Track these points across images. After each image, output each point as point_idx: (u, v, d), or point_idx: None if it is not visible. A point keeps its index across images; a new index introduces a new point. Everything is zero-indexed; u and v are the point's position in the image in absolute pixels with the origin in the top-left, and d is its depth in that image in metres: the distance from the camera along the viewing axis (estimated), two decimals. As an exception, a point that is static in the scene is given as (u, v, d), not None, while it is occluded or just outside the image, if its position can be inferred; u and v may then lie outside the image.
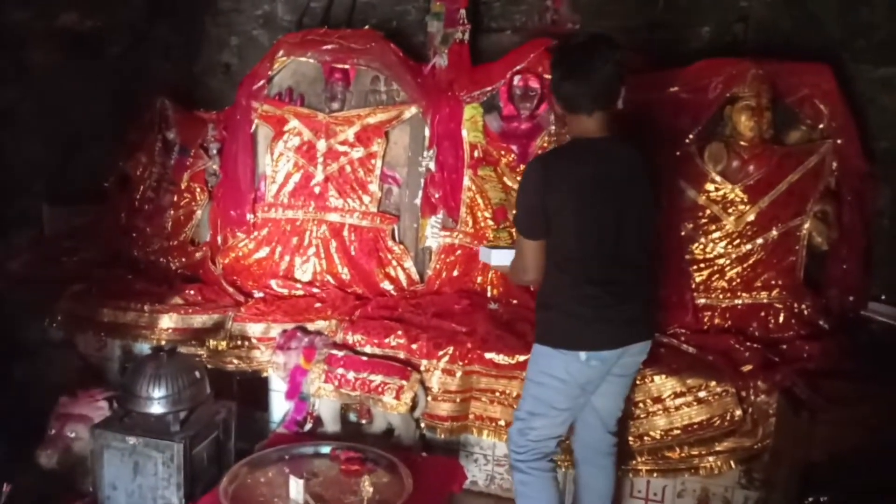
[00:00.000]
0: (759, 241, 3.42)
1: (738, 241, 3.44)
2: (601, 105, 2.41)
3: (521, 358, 3.11)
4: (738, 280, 3.45)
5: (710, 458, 2.99)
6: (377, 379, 3.11)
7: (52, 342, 3.78)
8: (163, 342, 3.47)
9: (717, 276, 3.46)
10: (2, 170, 4.10)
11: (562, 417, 2.58)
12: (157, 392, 2.70)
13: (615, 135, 2.47)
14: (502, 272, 3.18)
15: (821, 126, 3.40)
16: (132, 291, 3.83)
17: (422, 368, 3.21)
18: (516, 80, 3.79)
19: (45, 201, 4.34)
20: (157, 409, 2.71)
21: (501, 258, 2.87)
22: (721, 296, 3.44)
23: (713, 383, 2.96)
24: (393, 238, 4.00)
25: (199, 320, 3.60)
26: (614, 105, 2.44)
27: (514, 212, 2.58)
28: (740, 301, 3.43)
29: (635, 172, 2.47)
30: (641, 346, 2.57)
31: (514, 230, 2.89)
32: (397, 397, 3.08)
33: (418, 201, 3.95)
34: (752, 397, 2.95)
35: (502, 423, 3.17)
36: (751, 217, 3.42)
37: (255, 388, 3.53)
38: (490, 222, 3.83)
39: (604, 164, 2.42)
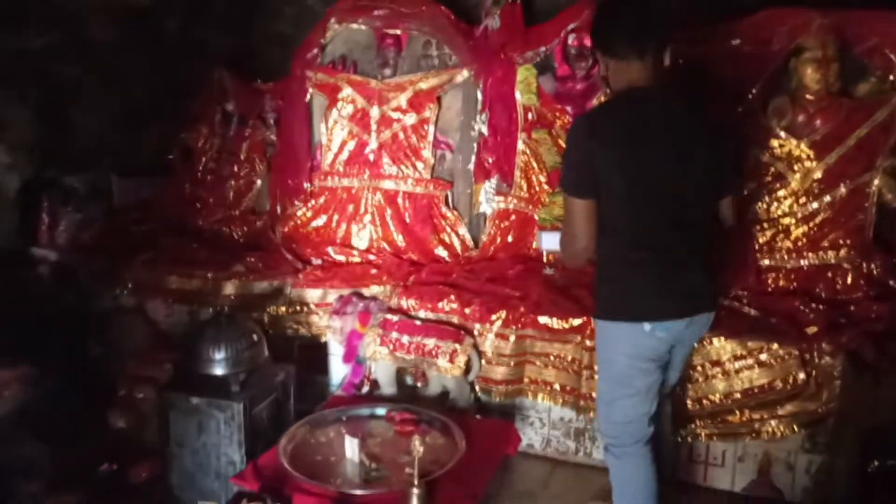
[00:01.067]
0: (827, 198, 3.28)
1: (803, 199, 3.31)
2: (639, 49, 2.23)
3: (576, 322, 3.09)
4: (804, 240, 3.31)
5: (773, 422, 2.92)
6: (431, 342, 3.14)
7: (124, 309, 3.93)
8: (226, 308, 3.57)
9: (781, 236, 3.34)
10: (72, 145, 4.26)
11: (642, 394, 2.39)
12: (218, 354, 2.79)
13: (666, 86, 2.30)
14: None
15: (891, 77, 3.21)
16: (197, 260, 3.95)
17: (475, 332, 3.22)
18: (571, 38, 3.70)
19: (113, 174, 4.50)
20: (217, 370, 2.80)
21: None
22: (786, 256, 3.32)
23: (775, 346, 2.87)
24: (447, 204, 4.00)
25: (260, 287, 3.69)
26: (657, 55, 2.25)
27: (559, 183, 2.42)
28: (806, 262, 3.30)
29: (693, 126, 2.26)
30: (706, 318, 2.41)
31: None
32: (451, 360, 3.10)
33: (471, 167, 3.93)
34: (817, 360, 2.84)
35: (557, 386, 3.17)
36: (817, 174, 3.28)
37: (314, 353, 3.60)
38: (545, 186, 3.78)
39: (654, 115, 2.22)
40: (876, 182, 3.22)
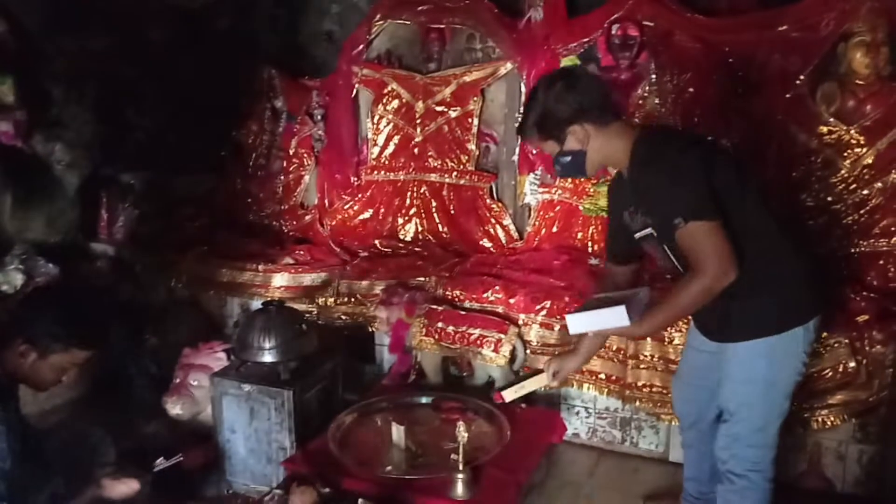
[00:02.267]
0: (878, 185, 3.21)
1: (854, 186, 3.24)
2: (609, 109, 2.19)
3: (620, 311, 3.09)
4: (855, 227, 3.25)
5: (822, 412, 2.87)
6: (476, 332, 3.16)
7: (179, 301, 4.06)
8: (276, 299, 3.66)
9: (832, 223, 3.28)
10: (129, 143, 4.40)
11: None
12: (268, 343, 2.87)
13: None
14: (660, 323, 2.29)
15: (943, 60, 3.14)
16: (248, 253, 4.05)
17: (520, 322, 3.24)
18: (614, 29, 3.70)
19: (168, 170, 4.63)
20: (268, 358, 2.87)
21: (601, 321, 2.19)
22: (836, 244, 3.26)
23: (824, 334, 2.83)
24: (491, 196, 4.03)
25: (309, 278, 3.78)
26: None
27: (674, 217, 2.03)
28: (857, 249, 3.24)
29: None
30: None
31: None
32: (496, 350, 3.13)
33: (516, 158, 3.95)
34: (868, 348, 2.79)
35: (602, 376, 3.17)
36: (868, 160, 3.21)
37: (362, 342, 3.67)
38: (590, 177, 3.78)
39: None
40: (930, 167, 3.15)
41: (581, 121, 2.15)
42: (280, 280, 3.81)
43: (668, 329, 2.99)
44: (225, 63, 4.59)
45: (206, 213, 4.59)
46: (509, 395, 2.66)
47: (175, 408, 3.19)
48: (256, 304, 3.76)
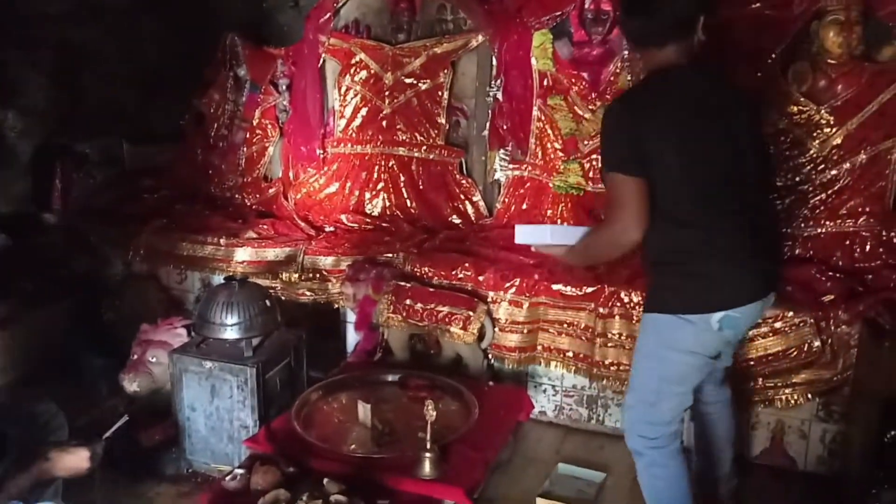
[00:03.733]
0: (846, 165, 3.21)
1: (822, 166, 3.24)
2: (672, 37, 2.16)
3: (589, 289, 3.08)
4: (822, 208, 3.26)
5: (787, 390, 2.91)
6: (444, 309, 3.12)
7: (137, 275, 3.95)
8: (238, 274, 3.57)
9: (799, 203, 3.29)
10: (85, 110, 4.25)
11: (692, 389, 2.30)
12: (230, 319, 2.80)
13: (699, 63, 2.21)
14: (579, 258, 2.47)
15: (917, 41, 3.15)
16: (209, 226, 3.93)
17: (489, 300, 3.21)
18: (587, 3, 3.63)
19: (125, 140, 4.48)
20: (230, 335, 2.81)
21: (536, 235, 2.46)
22: (803, 224, 3.27)
23: (790, 313, 2.84)
24: (461, 171, 3.97)
25: (273, 253, 3.69)
26: (691, 36, 2.17)
27: (602, 164, 2.18)
28: (824, 230, 3.25)
29: (732, 101, 2.22)
30: (771, 298, 2.29)
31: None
32: (464, 328, 3.09)
33: (486, 133, 3.88)
34: (832, 328, 2.82)
35: (570, 354, 3.16)
36: (837, 140, 3.21)
37: (328, 319, 3.62)
38: (560, 154, 3.74)
39: (697, 94, 2.16)
40: (898, 149, 3.16)
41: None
42: (242, 254, 3.71)
43: (637, 308, 2.99)
44: (186, 29, 4.45)
45: (165, 185, 4.44)
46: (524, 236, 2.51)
47: (132, 385, 3.10)
48: (218, 279, 3.68)
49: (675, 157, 2.09)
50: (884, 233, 3.16)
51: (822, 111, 3.22)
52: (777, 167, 3.25)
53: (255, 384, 2.75)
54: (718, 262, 2.13)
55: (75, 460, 2.14)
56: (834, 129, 3.21)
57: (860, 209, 3.21)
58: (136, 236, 3.89)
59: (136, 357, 3.17)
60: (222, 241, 3.76)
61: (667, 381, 2.25)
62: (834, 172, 3.23)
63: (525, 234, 2.47)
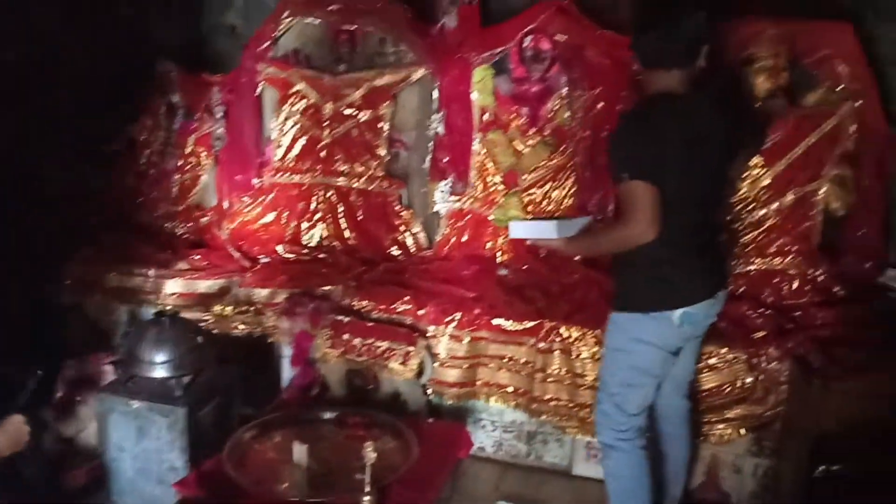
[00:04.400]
0: (774, 205, 3.34)
1: (752, 205, 3.36)
2: (679, 61, 2.35)
3: (530, 324, 3.09)
4: (752, 246, 3.37)
5: (721, 426, 2.96)
6: (383, 345, 3.09)
7: (61, 306, 3.77)
8: (168, 307, 3.46)
9: (730, 241, 3.39)
10: (6, 132, 4.06)
11: (655, 383, 2.54)
12: (160, 357, 2.70)
13: (697, 91, 2.42)
14: (581, 248, 2.80)
15: (840, 88, 3.29)
16: (138, 256, 3.80)
17: (429, 334, 3.18)
18: (527, 41, 3.69)
19: (51, 164, 4.30)
20: (160, 373, 2.70)
21: (536, 230, 2.67)
22: (734, 262, 3.37)
23: (724, 350, 2.91)
24: (401, 203, 3.95)
25: (205, 285, 3.59)
26: (695, 62, 2.38)
27: (622, 171, 2.31)
28: (754, 267, 3.36)
29: (726, 123, 2.43)
30: (723, 295, 2.56)
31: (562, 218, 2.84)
32: (404, 363, 3.06)
33: (427, 165, 3.88)
34: (764, 364, 2.89)
35: (510, 389, 3.16)
36: (766, 181, 3.33)
37: (262, 354, 3.51)
38: (500, 187, 3.77)
39: (695, 118, 2.36)
40: (823, 190, 3.30)
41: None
42: (173, 286, 3.59)
43: (576, 343, 3.01)
44: (118, 53, 4.32)
45: (92, 212, 4.28)
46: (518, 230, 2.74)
47: (57, 424, 2.94)
48: (147, 311, 3.55)
49: (672, 176, 2.29)
50: (810, 271, 3.28)
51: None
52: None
53: (186, 425, 2.65)
54: (682, 270, 2.41)
55: (13, 432, 1.99)
56: (763, 171, 3.32)
57: (788, 248, 3.33)
58: (62, 266, 3.74)
59: (60, 395, 3.02)
60: (152, 272, 3.64)
61: (635, 371, 2.49)
62: (763, 212, 3.35)
63: (520, 230, 2.75)
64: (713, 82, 3.05)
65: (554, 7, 3.65)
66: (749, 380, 2.90)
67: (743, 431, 2.94)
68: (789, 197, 3.32)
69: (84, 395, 2.98)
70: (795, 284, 3.29)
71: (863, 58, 3.27)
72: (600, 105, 3.60)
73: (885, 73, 3.37)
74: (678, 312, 2.39)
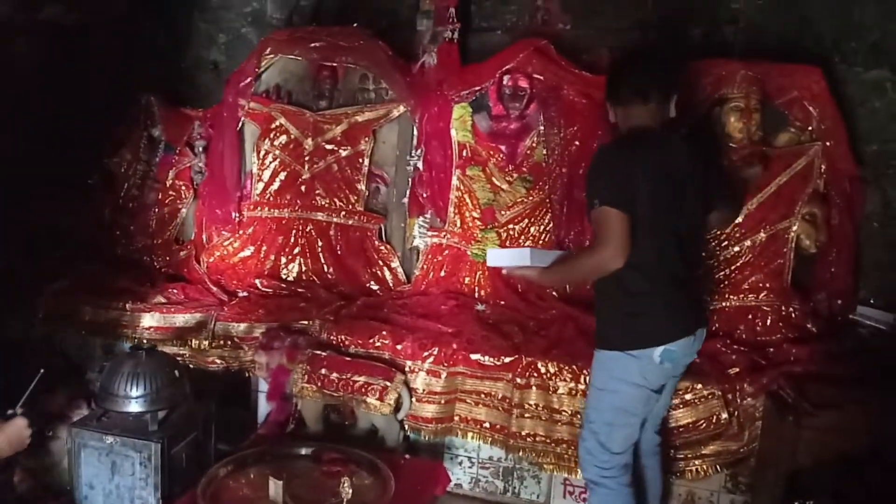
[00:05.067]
0: (747, 243, 3.40)
1: (725, 242, 3.42)
2: (649, 100, 2.48)
3: (507, 359, 3.09)
4: (726, 282, 3.42)
5: (696, 462, 2.97)
6: (361, 379, 3.07)
7: (34, 339, 3.72)
8: (144, 341, 3.43)
9: (705, 278, 3.43)
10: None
11: (639, 422, 2.57)
12: (135, 391, 2.65)
13: (668, 129, 2.55)
14: (555, 278, 2.85)
15: (810, 128, 3.39)
16: (114, 289, 3.77)
17: (406, 369, 3.17)
18: (506, 79, 3.77)
19: (28, 196, 4.28)
20: (134, 407, 2.66)
21: (511, 258, 2.68)
22: (708, 298, 3.41)
23: (699, 385, 2.93)
24: (380, 238, 3.97)
25: (182, 319, 3.56)
26: (661, 102, 2.50)
27: (594, 198, 2.37)
28: (727, 303, 3.40)
29: (695, 162, 2.51)
30: (702, 333, 2.59)
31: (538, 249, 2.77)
32: (381, 398, 3.04)
33: (406, 201, 3.92)
34: (739, 400, 2.92)
35: (487, 425, 3.15)
36: (738, 219, 3.38)
37: (238, 388, 3.49)
38: (478, 222, 3.80)
39: (666, 153, 2.45)
40: (794, 228, 3.37)
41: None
42: (149, 320, 3.57)
43: (553, 378, 3.02)
44: (99, 85, 4.33)
45: (68, 245, 4.26)
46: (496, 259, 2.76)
47: (28, 459, 2.88)
48: (122, 345, 3.51)
49: (644, 205, 2.35)
50: (783, 308, 3.33)
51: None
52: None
53: (160, 460, 2.60)
54: (660, 306, 2.44)
55: (14, 434, 1.95)
56: (736, 209, 3.38)
57: (761, 285, 3.38)
58: (36, 298, 3.70)
59: (32, 430, 2.95)
60: (128, 305, 3.61)
61: (619, 412, 2.52)
62: (736, 249, 3.41)
63: (497, 258, 2.75)
64: (683, 122, 3.17)
65: (532, 47, 3.73)
66: (724, 416, 2.92)
67: (718, 468, 2.94)
68: (762, 234, 3.38)
69: (56, 430, 2.92)
70: (769, 321, 3.34)
71: (831, 100, 3.37)
72: (576, 143, 3.67)
73: (853, 114, 3.47)
74: (659, 350, 2.43)
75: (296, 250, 4.02)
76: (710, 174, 2.62)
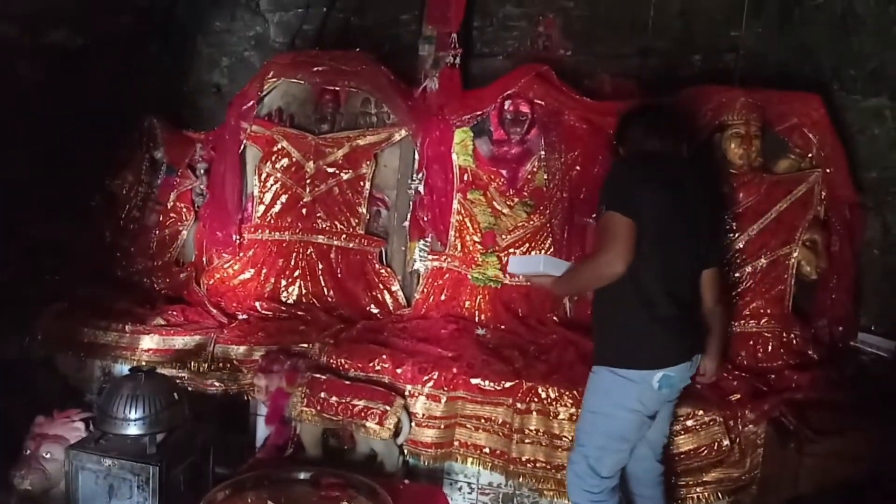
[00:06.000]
0: (748, 269, 3.40)
1: (726, 269, 3.41)
2: (667, 146, 2.58)
3: (508, 384, 3.07)
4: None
5: (698, 489, 2.95)
6: (360, 403, 3.05)
7: (32, 361, 3.70)
8: (143, 363, 3.41)
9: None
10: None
11: (630, 447, 2.57)
12: (134, 413, 2.65)
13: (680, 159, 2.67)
14: (565, 286, 2.81)
15: (810, 155, 3.42)
16: (114, 311, 3.76)
17: (406, 393, 3.15)
18: (507, 104, 3.80)
19: (29, 218, 4.28)
20: (133, 430, 2.65)
21: (528, 265, 2.82)
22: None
23: (700, 412, 2.91)
24: (380, 261, 3.97)
25: (181, 341, 3.55)
26: (680, 145, 2.67)
27: (602, 205, 2.46)
28: (729, 330, 3.38)
29: (704, 195, 2.56)
30: (698, 359, 2.60)
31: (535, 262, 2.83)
32: (380, 423, 3.02)
33: (407, 224, 3.93)
34: (740, 427, 2.91)
35: (487, 450, 3.12)
36: (739, 245, 3.40)
37: (237, 411, 3.46)
38: (479, 246, 3.81)
39: (677, 175, 2.50)
40: (795, 255, 3.38)
41: None
42: (148, 342, 3.55)
43: (554, 404, 3.00)
44: (102, 107, 4.36)
45: (69, 266, 4.25)
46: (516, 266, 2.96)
47: (24, 483, 2.85)
48: (120, 367, 3.50)
49: (653, 226, 2.37)
50: (784, 334, 3.33)
51: (726, 217, 3.40)
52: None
53: (158, 484, 2.59)
54: (662, 328, 2.44)
55: None
56: (736, 235, 3.40)
57: (762, 311, 3.38)
58: (34, 319, 3.68)
59: (28, 452, 2.93)
60: (127, 327, 3.59)
61: (611, 437, 2.52)
62: (737, 275, 3.40)
63: (517, 265, 2.95)
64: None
65: (533, 72, 3.76)
66: (726, 442, 2.90)
67: (720, 495, 2.92)
68: (762, 261, 3.39)
69: (53, 452, 2.90)
70: (770, 347, 3.34)
71: (831, 127, 3.39)
72: (577, 168, 3.69)
73: (853, 141, 3.49)
74: (658, 374, 2.43)
75: (296, 273, 4.02)
76: (717, 212, 2.73)
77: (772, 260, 3.39)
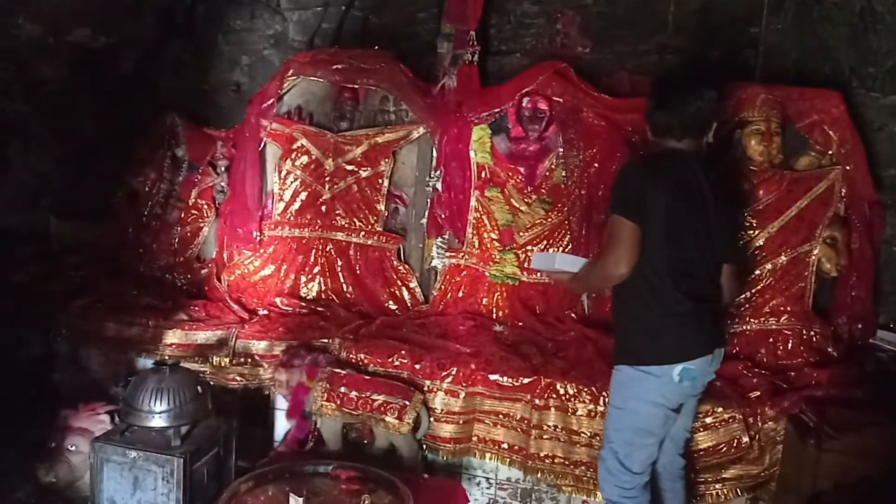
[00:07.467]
0: (768, 266, 3.39)
1: (747, 265, 3.40)
2: (689, 134, 2.53)
3: (526, 380, 3.09)
4: (747, 306, 3.41)
5: (717, 486, 2.95)
6: (380, 398, 3.08)
7: (57, 356, 3.76)
8: (166, 358, 3.45)
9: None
10: (10, 183, 4.12)
11: (658, 441, 2.60)
12: (159, 406, 2.68)
13: (701, 154, 2.59)
14: (579, 284, 2.88)
15: (830, 152, 3.40)
16: (137, 307, 3.81)
17: (425, 389, 3.18)
18: (525, 101, 3.80)
19: (53, 215, 4.35)
20: (157, 423, 2.69)
21: (546, 261, 2.91)
22: (729, 321, 3.40)
23: (720, 409, 2.91)
24: (399, 258, 4.00)
25: (203, 336, 3.59)
26: (702, 138, 2.57)
27: (609, 208, 2.51)
28: (748, 327, 3.39)
29: (720, 192, 2.55)
30: (720, 353, 2.60)
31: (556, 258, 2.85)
32: (399, 418, 3.05)
33: (425, 221, 3.95)
34: (760, 424, 2.90)
35: (505, 445, 3.14)
36: (759, 242, 3.39)
37: (258, 405, 3.50)
38: (496, 244, 3.82)
39: (694, 174, 2.49)
40: (815, 252, 3.37)
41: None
42: (171, 337, 3.59)
43: (572, 400, 3.02)
44: (125, 107, 4.42)
45: (92, 262, 4.31)
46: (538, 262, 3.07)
47: (49, 475, 2.90)
48: (144, 361, 3.54)
49: (661, 225, 2.41)
50: (804, 332, 3.32)
51: (746, 214, 3.39)
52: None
53: (182, 476, 2.62)
54: (677, 323, 2.46)
55: None
56: (756, 232, 3.39)
57: (782, 308, 3.37)
58: (59, 315, 3.73)
59: (53, 445, 2.98)
60: (150, 322, 3.64)
61: (638, 432, 2.55)
62: (757, 272, 3.39)
63: (538, 261, 3.08)
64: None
65: (551, 70, 3.77)
66: (745, 439, 2.90)
67: (739, 491, 2.92)
68: (783, 258, 3.38)
69: (78, 445, 2.94)
70: (790, 344, 3.33)
71: (850, 124, 3.37)
72: (595, 165, 3.69)
73: (872, 139, 3.47)
74: (678, 368, 2.45)
75: (315, 269, 4.05)
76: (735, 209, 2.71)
77: (792, 257, 3.37)
